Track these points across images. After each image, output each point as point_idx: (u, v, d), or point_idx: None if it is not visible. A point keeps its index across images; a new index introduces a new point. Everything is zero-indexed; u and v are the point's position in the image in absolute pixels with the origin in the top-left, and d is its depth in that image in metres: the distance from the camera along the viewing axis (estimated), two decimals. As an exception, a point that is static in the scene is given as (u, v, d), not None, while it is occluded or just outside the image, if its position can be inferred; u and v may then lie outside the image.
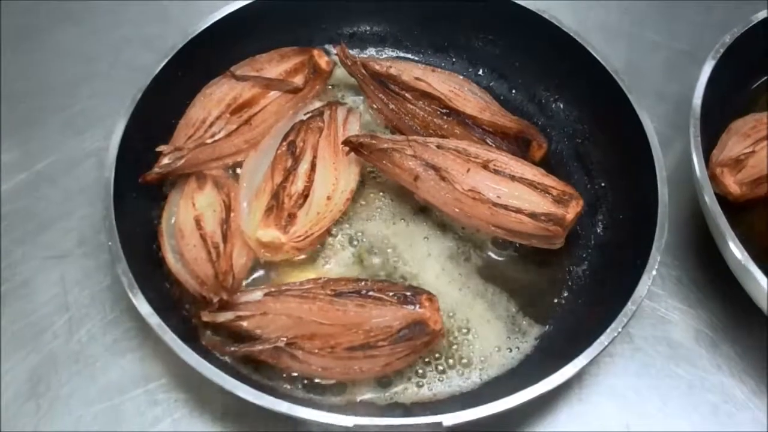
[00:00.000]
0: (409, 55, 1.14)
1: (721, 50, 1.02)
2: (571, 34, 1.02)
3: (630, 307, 0.83)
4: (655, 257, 0.86)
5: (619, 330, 0.82)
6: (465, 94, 1.03)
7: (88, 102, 1.14)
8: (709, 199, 0.91)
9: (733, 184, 0.99)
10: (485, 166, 0.95)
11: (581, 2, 1.20)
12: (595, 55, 1.00)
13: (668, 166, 0.94)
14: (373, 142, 0.98)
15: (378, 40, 1.14)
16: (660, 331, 0.96)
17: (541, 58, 1.07)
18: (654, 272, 0.85)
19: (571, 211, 0.92)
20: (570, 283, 0.95)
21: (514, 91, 1.11)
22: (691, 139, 0.95)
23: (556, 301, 0.94)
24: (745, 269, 0.86)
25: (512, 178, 0.94)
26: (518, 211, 0.92)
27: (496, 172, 0.95)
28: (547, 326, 0.92)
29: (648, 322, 0.97)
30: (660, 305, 0.98)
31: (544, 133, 1.05)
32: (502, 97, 1.09)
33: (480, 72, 1.12)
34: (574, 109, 1.06)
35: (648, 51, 1.21)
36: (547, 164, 1.02)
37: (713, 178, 0.98)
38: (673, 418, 0.91)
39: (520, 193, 0.93)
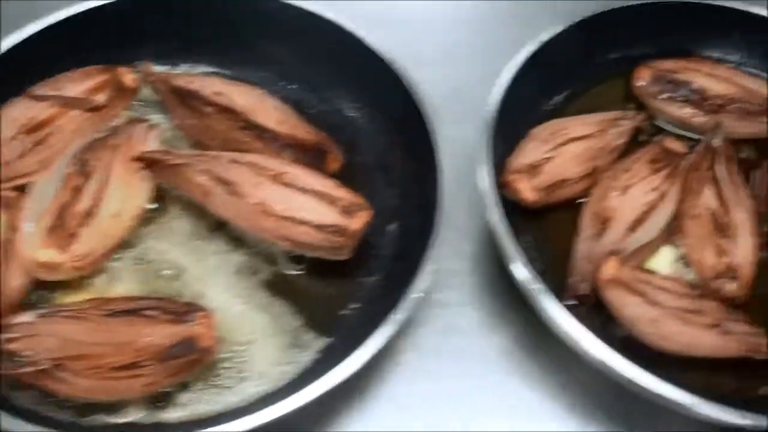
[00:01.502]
0: (220, 70, 1.12)
1: (520, 62, 1.03)
2: (377, 52, 1.03)
3: (396, 317, 0.84)
4: (426, 265, 0.86)
5: (388, 336, 0.82)
6: (265, 108, 1.02)
7: None
8: (494, 215, 0.91)
9: (527, 190, 0.99)
10: (276, 179, 0.94)
11: (391, 23, 1.20)
12: (396, 72, 1.01)
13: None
14: (166, 157, 0.97)
15: (190, 55, 1.12)
16: (450, 339, 0.96)
17: (348, 73, 1.07)
18: (426, 280, 0.86)
19: (357, 221, 0.92)
20: (359, 294, 0.94)
21: (322, 104, 1.10)
22: (481, 150, 0.95)
23: (341, 312, 0.93)
24: (530, 291, 0.87)
25: (302, 190, 0.94)
26: (304, 222, 0.92)
27: (286, 184, 0.94)
28: (331, 338, 0.91)
29: (437, 330, 0.96)
30: (451, 312, 0.98)
31: (350, 145, 1.05)
32: (313, 110, 1.09)
33: (291, 86, 1.12)
34: (378, 122, 1.06)
35: (461, 66, 1.21)
36: (351, 175, 1.02)
37: (507, 184, 0.98)
38: (460, 424, 0.90)
39: (308, 205, 0.93)
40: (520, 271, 0.88)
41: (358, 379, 0.87)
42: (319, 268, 0.95)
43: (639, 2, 1.12)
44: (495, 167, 0.98)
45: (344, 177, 1.01)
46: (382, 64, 1.02)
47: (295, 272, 0.96)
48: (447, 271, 1.00)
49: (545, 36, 1.06)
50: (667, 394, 0.82)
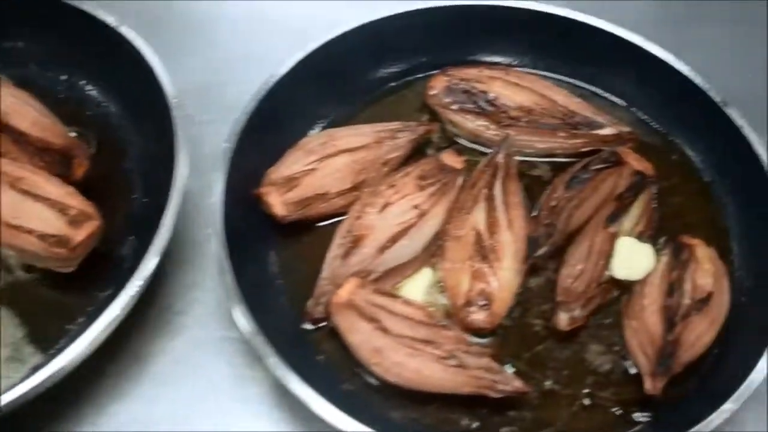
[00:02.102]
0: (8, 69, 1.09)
1: (288, 68, 1.00)
2: (145, 59, 0.98)
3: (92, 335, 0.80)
4: (137, 281, 0.84)
5: (78, 353, 0.79)
6: (23, 109, 0.98)
7: None
8: (216, 245, 0.86)
9: (278, 204, 0.93)
10: (13, 184, 0.91)
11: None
12: (156, 78, 0.97)
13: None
14: None
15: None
16: (181, 363, 0.91)
17: (121, 79, 1.04)
18: (125, 300, 0.82)
19: (82, 233, 0.88)
20: (88, 308, 0.90)
21: (100, 108, 1.06)
22: (222, 162, 0.91)
23: (68, 327, 0.89)
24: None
25: (36, 197, 0.90)
26: (29, 231, 0.88)
27: (22, 191, 0.91)
28: (48, 353, 0.87)
29: (169, 351, 0.92)
30: (187, 334, 0.93)
31: (120, 150, 1.02)
32: (91, 112, 1.06)
33: (77, 86, 1.08)
34: (144, 128, 1.02)
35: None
36: (112, 182, 1.00)
37: (259, 197, 0.93)
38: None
39: (38, 214, 0.89)
40: (238, 317, 0.82)
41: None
42: (56, 278, 0.91)
43: (446, 4, 1.05)
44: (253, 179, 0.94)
45: (105, 183, 0.99)
46: (146, 71, 0.98)
47: (30, 281, 0.92)
48: (193, 286, 0.95)
49: (321, 41, 0.99)
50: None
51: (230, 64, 1.14)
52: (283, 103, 0.97)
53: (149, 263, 0.85)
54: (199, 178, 0.99)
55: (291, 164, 0.95)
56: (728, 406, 0.79)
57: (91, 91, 1.07)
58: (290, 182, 0.94)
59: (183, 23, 1.20)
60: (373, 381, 0.86)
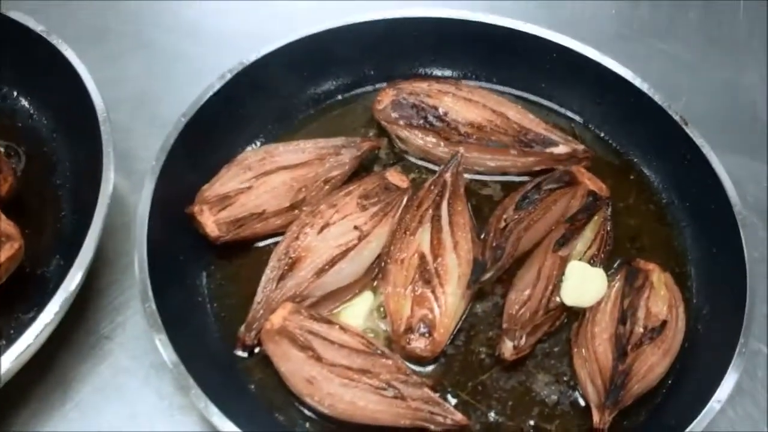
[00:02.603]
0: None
1: (226, 79, 0.94)
2: (80, 75, 0.93)
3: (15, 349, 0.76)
4: (56, 305, 0.79)
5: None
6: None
7: None
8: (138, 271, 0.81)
9: (211, 223, 0.88)
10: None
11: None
12: (89, 95, 0.91)
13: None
14: None
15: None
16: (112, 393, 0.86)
17: (56, 94, 0.99)
18: (51, 317, 0.78)
19: (2, 255, 0.83)
20: (9, 331, 0.86)
21: (33, 121, 1.02)
22: (149, 180, 0.86)
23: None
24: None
25: (-43, 217, 0.85)
26: (-54, 254, 0.83)
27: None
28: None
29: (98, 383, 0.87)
30: (115, 359, 0.88)
31: (53, 167, 0.98)
32: (26, 123, 1.01)
33: (14, 100, 1.03)
34: (75, 145, 0.98)
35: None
36: (41, 201, 0.95)
37: (192, 217, 0.88)
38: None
39: (-45, 234, 0.84)
40: (161, 347, 0.77)
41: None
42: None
43: (397, 16, 1.00)
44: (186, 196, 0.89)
45: (33, 199, 0.95)
46: (77, 82, 0.93)
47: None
48: (122, 308, 0.90)
49: (262, 51, 0.95)
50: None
51: (171, 73, 1.09)
52: (220, 117, 0.93)
53: (70, 284, 0.80)
54: (133, 193, 0.95)
55: (226, 181, 0.91)
56: (680, 442, 0.74)
57: (23, 102, 1.02)
58: (224, 200, 0.89)
59: (122, 31, 1.14)
60: (307, 411, 0.81)
